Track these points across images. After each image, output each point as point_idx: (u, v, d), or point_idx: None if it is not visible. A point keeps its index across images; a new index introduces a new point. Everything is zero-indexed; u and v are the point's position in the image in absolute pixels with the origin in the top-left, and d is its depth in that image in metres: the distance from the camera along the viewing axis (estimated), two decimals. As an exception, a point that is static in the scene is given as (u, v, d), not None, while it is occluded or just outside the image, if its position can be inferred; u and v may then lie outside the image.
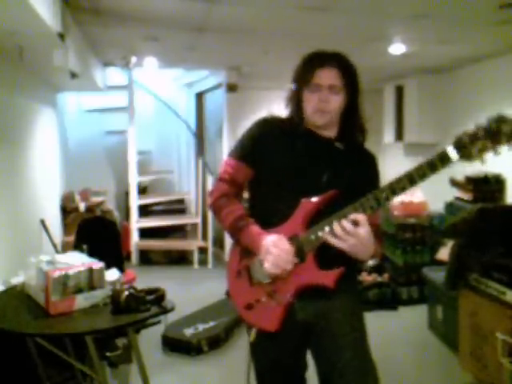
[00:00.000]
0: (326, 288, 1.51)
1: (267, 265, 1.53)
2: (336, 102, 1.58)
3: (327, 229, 1.47)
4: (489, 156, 1.29)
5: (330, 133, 1.66)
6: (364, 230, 1.42)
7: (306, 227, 1.53)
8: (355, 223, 1.42)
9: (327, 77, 1.56)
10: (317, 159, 1.61)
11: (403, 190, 1.38)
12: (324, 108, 1.57)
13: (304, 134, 1.64)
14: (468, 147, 1.28)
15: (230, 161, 1.69)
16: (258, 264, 1.60)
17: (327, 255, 1.51)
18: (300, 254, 1.53)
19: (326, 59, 1.58)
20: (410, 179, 1.36)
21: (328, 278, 1.50)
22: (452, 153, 1.30)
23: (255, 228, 1.59)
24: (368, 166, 1.70)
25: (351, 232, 1.41)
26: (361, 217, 1.42)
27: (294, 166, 1.60)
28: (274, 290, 1.58)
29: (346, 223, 1.42)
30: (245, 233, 1.59)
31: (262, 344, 1.69)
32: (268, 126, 1.69)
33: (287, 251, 1.51)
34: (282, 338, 1.63)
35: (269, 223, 1.59)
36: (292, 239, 1.54)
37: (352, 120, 1.64)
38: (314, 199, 1.52)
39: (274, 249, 1.51)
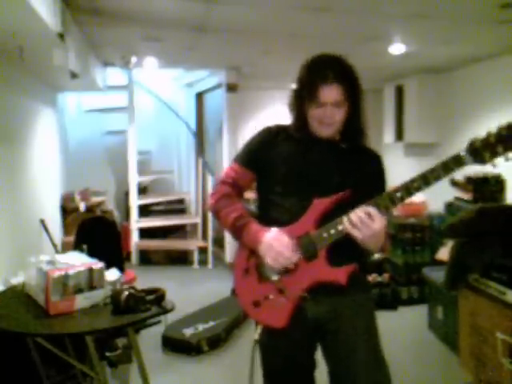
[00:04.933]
0: (338, 284, 1.53)
1: (269, 259, 1.55)
2: (340, 114, 1.60)
3: (340, 227, 1.51)
4: (499, 161, 1.37)
5: (334, 136, 1.67)
6: (378, 225, 1.45)
7: (318, 226, 1.56)
8: (369, 216, 1.45)
9: (331, 94, 1.56)
10: (324, 162, 1.64)
11: (418, 190, 1.45)
12: (329, 122, 1.60)
13: (309, 139, 1.65)
14: (480, 152, 1.36)
15: (234, 165, 1.74)
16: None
17: (339, 253, 1.54)
18: (311, 251, 1.56)
19: (329, 74, 1.56)
20: (425, 180, 1.43)
21: (339, 274, 1.53)
22: (466, 156, 1.38)
23: (255, 225, 1.62)
24: (373, 165, 1.71)
25: (366, 223, 1.45)
26: (373, 211, 1.45)
27: (301, 170, 1.63)
28: (284, 287, 1.59)
29: (362, 214, 1.45)
30: (245, 231, 1.62)
31: (273, 343, 1.69)
32: (272, 133, 1.72)
33: (288, 245, 1.54)
34: (293, 336, 1.64)
35: (279, 223, 1.61)
36: (303, 237, 1.56)
37: (354, 123, 1.66)
38: (327, 199, 1.55)
39: (276, 243, 1.54)
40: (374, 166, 1.70)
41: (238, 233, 1.64)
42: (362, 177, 1.62)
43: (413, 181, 1.44)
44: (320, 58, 1.63)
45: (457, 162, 1.39)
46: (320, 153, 1.65)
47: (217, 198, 1.71)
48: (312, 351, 1.74)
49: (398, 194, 1.46)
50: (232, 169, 1.74)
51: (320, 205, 1.56)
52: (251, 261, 1.67)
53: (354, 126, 1.66)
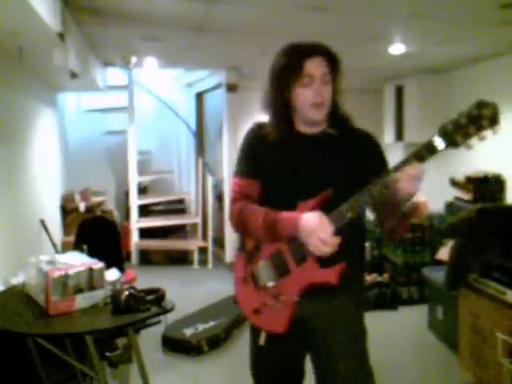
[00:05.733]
0: (330, 285, 1.51)
1: (313, 248, 1.46)
2: (328, 92, 1.56)
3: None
4: (474, 142, 1.30)
5: (320, 126, 1.64)
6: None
7: None
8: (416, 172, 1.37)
9: (319, 66, 1.53)
10: (307, 158, 1.60)
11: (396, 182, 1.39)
12: (321, 101, 1.55)
13: (291, 136, 1.63)
14: (452, 135, 1.30)
15: (237, 181, 1.70)
16: (262, 268, 1.62)
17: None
18: (301, 254, 1.54)
19: (313, 49, 1.55)
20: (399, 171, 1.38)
21: (330, 274, 1.51)
22: (438, 142, 1.33)
23: (286, 214, 1.53)
24: (369, 147, 1.67)
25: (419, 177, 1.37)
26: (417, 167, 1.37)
27: (286, 172, 1.61)
28: (279, 292, 1.59)
29: (412, 171, 1.36)
30: (279, 223, 1.53)
31: (267, 348, 1.67)
32: (256, 136, 1.69)
33: (330, 233, 1.44)
34: (283, 341, 1.63)
35: None
36: (292, 241, 1.55)
37: (338, 107, 1.63)
38: (311, 201, 1.52)
39: (321, 233, 1.43)
40: (372, 150, 1.66)
41: (272, 228, 1.54)
42: (359, 165, 1.56)
43: (388, 174, 1.40)
44: (300, 42, 1.59)
45: (429, 148, 1.34)
46: (302, 150, 1.61)
47: (236, 214, 1.65)
48: (301, 357, 1.73)
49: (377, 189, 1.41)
50: (236, 184, 1.70)
51: (304, 208, 1.52)
52: (247, 269, 1.66)
53: (338, 110, 1.63)
